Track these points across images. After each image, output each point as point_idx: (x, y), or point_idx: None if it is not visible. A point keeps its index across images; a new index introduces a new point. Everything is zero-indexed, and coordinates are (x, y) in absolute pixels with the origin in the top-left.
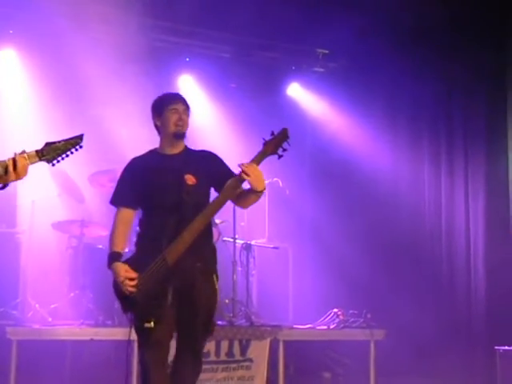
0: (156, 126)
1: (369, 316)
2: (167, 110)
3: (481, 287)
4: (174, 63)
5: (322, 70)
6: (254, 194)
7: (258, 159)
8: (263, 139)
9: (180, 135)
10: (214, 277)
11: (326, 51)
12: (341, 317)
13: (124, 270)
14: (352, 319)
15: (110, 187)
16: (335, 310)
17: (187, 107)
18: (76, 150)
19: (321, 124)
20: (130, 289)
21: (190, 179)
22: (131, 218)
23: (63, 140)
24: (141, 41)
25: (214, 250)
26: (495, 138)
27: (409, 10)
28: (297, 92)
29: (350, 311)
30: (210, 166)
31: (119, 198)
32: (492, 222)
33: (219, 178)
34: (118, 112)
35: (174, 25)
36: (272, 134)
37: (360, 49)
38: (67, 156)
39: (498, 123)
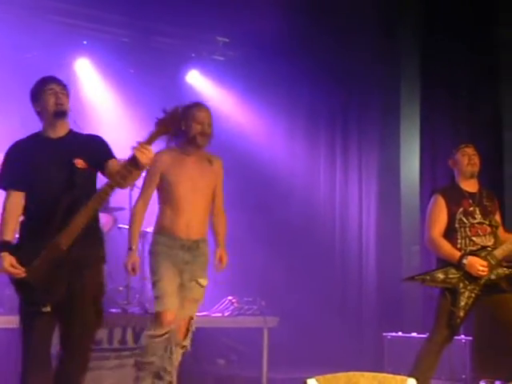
0: (37, 113)
1: (263, 303)
2: (43, 92)
3: (371, 276)
4: (70, 46)
5: (221, 58)
6: (135, 168)
7: (149, 139)
8: (156, 118)
9: (60, 113)
10: (102, 264)
11: (227, 40)
12: (235, 304)
13: (9, 264)
14: (246, 307)
15: None
16: (230, 297)
17: (64, 86)
18: None
19: (219, 112)
20: (20, 273)
21: (79, 163)
22: (21, 202)
23: None
24: (37, 21)
25: (101, 236)
26: (388, 130)
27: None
28: (196, 79)
29: (245, 299)
30: (96, 149)
31: (7, 180)
32: (383, 213)
33: (103, 162)
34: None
35: (71, 6)
36: (164, 111)
37: (260, 38)
38: None
39: (392, 115)
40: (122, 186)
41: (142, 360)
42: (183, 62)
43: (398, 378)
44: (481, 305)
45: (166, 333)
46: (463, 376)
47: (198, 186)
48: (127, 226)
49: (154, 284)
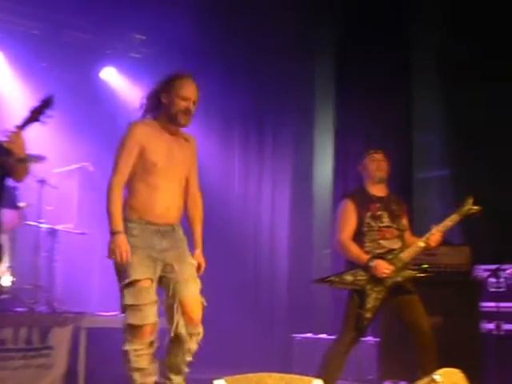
0: None
1: None
2: None
3: (283, 278)
4: None
5: (138, 55)
6: (20, 162)
7: (21, 126)
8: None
9: None
10: None
11: (143, 37)
12: None
13: None
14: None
15: None
16: None
17: None
18: None
19: (134, 109)
20: None
21: None
22: None
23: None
24: None
25: None
26: (303, 133)
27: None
28: (111, 76)
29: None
30: None
31: None
32: (296, 217)
33: None
34: None
35: None
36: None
37: (176, 37)
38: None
39: (306, 118)
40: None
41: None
42: (99, 58)
43: (305, 378)
44: (388, 306)
45: (151, 342)
46: (370, 377)
47: (177, 165)
48: (34, 223)
49: (126, 288)
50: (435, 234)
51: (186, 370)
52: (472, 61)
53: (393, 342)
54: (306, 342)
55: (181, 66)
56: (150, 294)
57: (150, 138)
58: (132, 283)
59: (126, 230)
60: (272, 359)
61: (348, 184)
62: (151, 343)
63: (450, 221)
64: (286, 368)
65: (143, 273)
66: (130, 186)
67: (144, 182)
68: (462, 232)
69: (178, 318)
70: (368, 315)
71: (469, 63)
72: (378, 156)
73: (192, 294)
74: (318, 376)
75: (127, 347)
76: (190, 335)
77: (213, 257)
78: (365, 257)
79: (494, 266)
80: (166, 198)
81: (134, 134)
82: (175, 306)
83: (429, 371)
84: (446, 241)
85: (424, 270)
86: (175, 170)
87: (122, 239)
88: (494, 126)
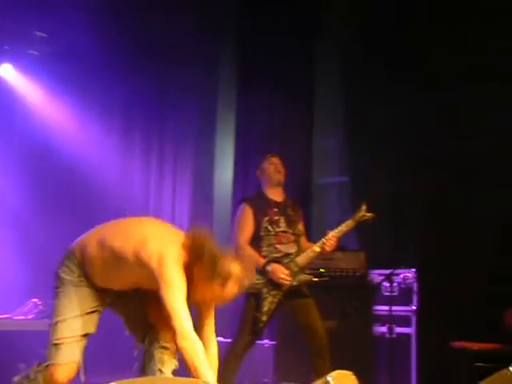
0: None
1: None
2: None
3: None
4: None
5: (37, 53)
6: None
7: None
8: None
9: None
10: None
11: (44, 34)
12: (40, 307)
13: None
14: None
15: None
16: (34, 299)
17: None
18: None
19: (34, 108)
20: None
21: None
22: None
23: None
24: None
25: None
26: (204, 136)
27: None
28: (9, 73)
29: (50, 301)
30: None
31: None
32: (196, 220)
33: None
34: None
35: None
36: None
37: (77, 36)
38: None
39: (208, 120)
40: None
41: None
42: None
43: (199, 381)
44: (283, 310)
45: None
46: (266, 380)
47: None
48: None
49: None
50: (330, 239)
51: None
52: (375, 66)
53: (288, 345)
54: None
55: (82, 66)
56: None
57: None
58: None
59: None
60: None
61: (248, 188)
62: None
63: (346, 226)
64: (183, 372)
65: None
66: None
67: None
68: (358, 237)
69: None
70: (264, 318)
71: (371, 69)
72: (275, 159)
73: None
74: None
75: None
76: None
77: None
78: (262, 261)
79: (387, 271)
80: None
81: None
82: None
83: (323, 374)
84: (341, 246)
85: (319, 275)
86: None
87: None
88: (393, 133)
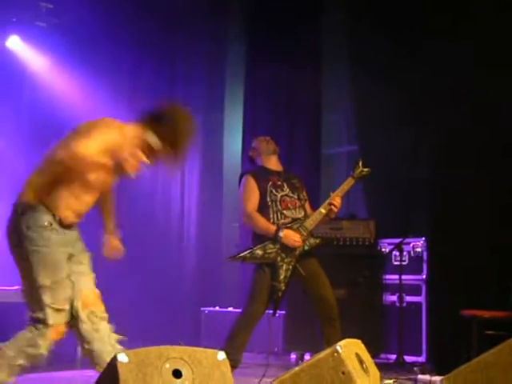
0: None
1: None
2: None
3: (192, 252)
4: None
5: (44, 24)
6: None
7: None
8: None
9: None
10: None
11: (51, 6)
12: None
13: None
14: None
15: None
16: None
17: None
18: None
19: (42, 80)
20: None
21: None
22: None
23: None
24: None
25: None
26: (213, 107)
27: None
28: (17, 45)
29: None
30: None
31: None
32: (205, 191)
33: None
34: None
35: None
36: None
37: (84, 6)
38: None
39: (217, 91)
40: None
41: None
42: (3, 27)
43: (209, 351)
44: (294, 278)
45: None
46: (275, 349)
47: None
48: None
49: None
50: (334, 199)
51: None
52: (382, 39)
53: (298, 314)
54: (214, 315)
55: (89, 36)
56: None
57: None
58: None
59: None
60: (181, 332)
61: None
62: None
63: (346, 185)
64: (194, 341)
65: None
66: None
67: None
68: (367, 207)
69: None
70: (282, 286)
71: (379, 41)
72: (265, 138)
73: None
74: (223, 348)
75: None
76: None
77: (122, 233)
78: (273, 228)
79: (397, 240)
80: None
81: None
82: None
83: (333, 342)
84: (351, 215)
85: (328, 238)
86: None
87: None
88: (402, 103)
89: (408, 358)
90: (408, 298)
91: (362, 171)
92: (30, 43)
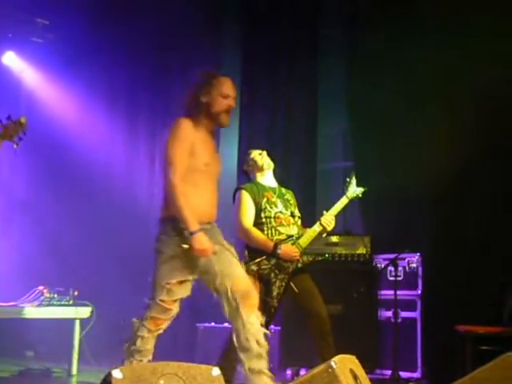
0: None
1: (76, 293)
2: None
3: None
4: None
5: (40, 40)
6: None
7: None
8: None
9: None
10: None
11: (46, 22)
12: (46, 294)
13: None
14: (58, 297)
15: None
16: (40, 287)
17: None
18: None
19: (38, 96)
20: None
21: None
22: None
23: None
24: None
25: None
26: None
27: None
28: (12, 61)
29: (57, 289)
30: None
31: None
32: None
33: None
34: None
35: None
36: (9, 117)
37: (79, 22)
38: None
39: None
40: None
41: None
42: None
43: (203, 367)
44: (288, 295)
45: None
46: (271, 365)
47: (216, 164)
48: None
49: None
50: (327, 217)
51: None
52: (378, 51)
53: (294, 330)
54: (210, 331)
55: (85, 52)
56: None
57: (198, 136)
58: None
59: (178, 232)
60: (176, 348)
61: None
62: None
63: (340, 204)
64: (189, 357)
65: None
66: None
67: (190, 183)
68: (363, 222)
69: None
70: (275, 303)
71: (375, 54)
72: (258, 150)
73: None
74: (218, 364)
75: None
76: None
77: (115, 247)
78: (271, 244)
79: (392, 255)
80: (210, 198)
81: (186, 129)
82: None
83: (327, 358)
84: (347, 231)
85: (322, 255)
86: (216, 169)
87: (203, 236)
88: (397, 117)
89: (403, 374)
90: (403, 314)
91: (356, 191)
92: (26, 59)
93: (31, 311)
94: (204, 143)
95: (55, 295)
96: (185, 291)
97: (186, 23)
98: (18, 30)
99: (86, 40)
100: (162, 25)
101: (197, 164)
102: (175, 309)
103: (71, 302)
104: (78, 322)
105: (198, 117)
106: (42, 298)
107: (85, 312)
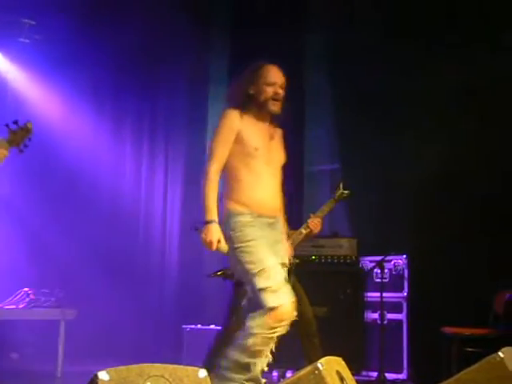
0: None
1: (61, 295)
2: None
3: (174, 269)
4: None
5: (27, 40)
6: None
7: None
8: (7, 126)
9: None
10: None
11: (33, 22)
12: (31, 296)
13: None
14: (43, 298)
15: None
16: (26, 289)
17: None
18: None
19: (24, 96)
20: None
21: None
22: None
23: None
24: None
25: None
26: (196, 117)
27: None
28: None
29: (42, 290)
30: None
31: None
32: (188, 206)
33: None
34: None
35: None
36: (15, 122)
37: (66, 23)
38: None
39: (199, 102)
40: None
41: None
42: None
43: (190, 369)
44: None
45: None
46: None
47: (275, 153)
48: None
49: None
50: (313, 220)
51: None
52: (364, 54)
53: None
54: (196, 333)
55: (72, 52)
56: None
57: (245, 123)
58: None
59: (236, 225)
60: (162, 350)
61: None
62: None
63: (326, 206)
64: (175, 359)
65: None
66: (230, 176)
67: (245, 168)
68: (349, 224)
69: None
70: None
71: (361, 57)
72: None
73: None
74: (204, 366)
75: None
76: None
77: (102, 249)
78: None
79: (379, 258)
80: (271, 189)
81: (230, 120)
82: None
83: (313, 359)
84: (333, 233)
85: (307, 258)
86: (272, 155)
87: (215, 228)
88: (378, 120)
89: (389, 376)
90: (389, 316)
91: (343, 193)
92: (13, 59)
93: (16, 313)
94: (254, 129)
95: (40, 297)
96: None
97: (173, 24)
98: (4, 31)
99: (72, 41)
100: (149, 26)
101: (246, 149)
102: None
103: (56, 304)
104: (63, 324)
105: (246, 107)
106: (27, 299)
107: (70, 313)
